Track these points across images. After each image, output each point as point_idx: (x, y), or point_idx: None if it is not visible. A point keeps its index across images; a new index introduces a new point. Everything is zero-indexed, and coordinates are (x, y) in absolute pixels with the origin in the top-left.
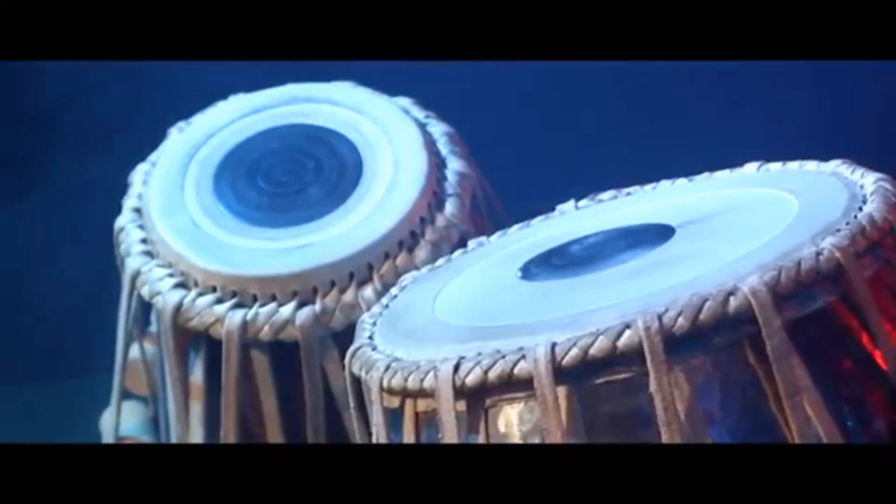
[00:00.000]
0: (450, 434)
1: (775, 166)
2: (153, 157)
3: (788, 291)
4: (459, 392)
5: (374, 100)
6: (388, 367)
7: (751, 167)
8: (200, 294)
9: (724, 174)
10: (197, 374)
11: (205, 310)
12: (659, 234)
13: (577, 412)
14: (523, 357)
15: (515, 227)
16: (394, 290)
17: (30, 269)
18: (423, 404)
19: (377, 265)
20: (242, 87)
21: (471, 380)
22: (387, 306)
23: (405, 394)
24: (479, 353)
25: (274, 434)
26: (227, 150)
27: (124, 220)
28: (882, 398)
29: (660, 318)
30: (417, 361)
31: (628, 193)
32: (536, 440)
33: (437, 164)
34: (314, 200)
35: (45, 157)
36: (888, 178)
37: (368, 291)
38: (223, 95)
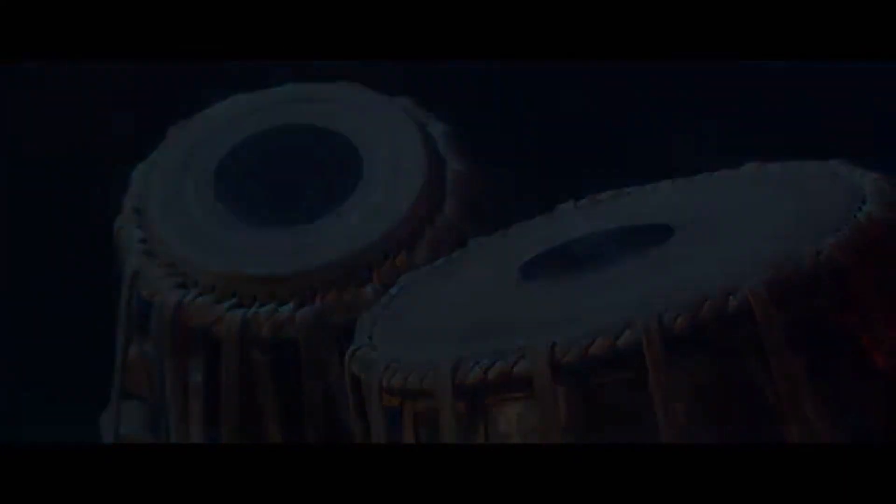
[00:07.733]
0: (449, 434)
1: (775, 166)
2: (153, 156)
3: (788, 291)
4: (459, 392)
5: (374, 100)
6: (387, 367)
7: (751, 167)
8: (200, 294)
9: (723, 174)
10: (197, 374)
11: (204, 309)
12: (659, 234)
13: (577, 412)
14: (523, 357)
15: (515, 226)
16: (393, 290)
17: (29, 267)
18: (422, 404)
19: (377, 265)
20: (242, 87)
21: (470, 380)
22: (386, 306)
23: (405, 394)
24: (479, 353)
25: (274, 434)
26: (227, 149)
27: (124, 219)
28: (882, 398)
29: (659, 317)
30: (417, 361)
31: (628, 193)
32: (536, 440)
33: (437, 163)
34: (313, 200)
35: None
36: (887, 177)
37: (368, 291)
38: (222, 95)
